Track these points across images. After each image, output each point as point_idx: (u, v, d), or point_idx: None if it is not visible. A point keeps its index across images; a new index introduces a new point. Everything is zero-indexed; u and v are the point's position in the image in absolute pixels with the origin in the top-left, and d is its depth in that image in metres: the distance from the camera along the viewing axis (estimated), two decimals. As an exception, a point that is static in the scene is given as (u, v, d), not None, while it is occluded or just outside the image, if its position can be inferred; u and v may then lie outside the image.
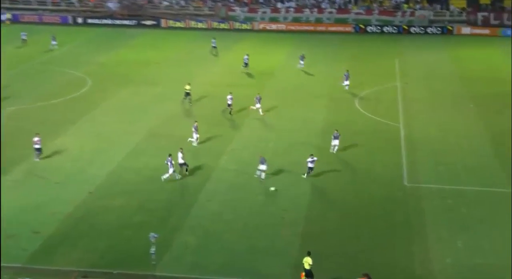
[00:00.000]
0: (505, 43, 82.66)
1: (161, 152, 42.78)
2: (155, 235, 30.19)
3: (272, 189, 38.86)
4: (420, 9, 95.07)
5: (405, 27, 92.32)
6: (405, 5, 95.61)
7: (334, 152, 44.47)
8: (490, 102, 57.33)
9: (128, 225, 34.65)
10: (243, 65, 66.21)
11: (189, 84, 55.30)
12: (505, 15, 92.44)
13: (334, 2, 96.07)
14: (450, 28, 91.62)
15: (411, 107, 55.88)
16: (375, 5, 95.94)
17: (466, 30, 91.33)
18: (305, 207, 37.05)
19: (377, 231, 34.58)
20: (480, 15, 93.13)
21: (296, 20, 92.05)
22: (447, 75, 66.81)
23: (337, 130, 44.91)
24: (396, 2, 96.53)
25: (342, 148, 45.21)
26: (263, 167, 40.09)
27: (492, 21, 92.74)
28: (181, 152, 40.65)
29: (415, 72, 67.77)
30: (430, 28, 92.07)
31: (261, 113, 51.95)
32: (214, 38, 75.27)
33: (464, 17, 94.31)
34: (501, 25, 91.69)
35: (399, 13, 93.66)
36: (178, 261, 31.60)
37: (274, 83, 62.22)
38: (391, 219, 35.91)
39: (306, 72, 66.17)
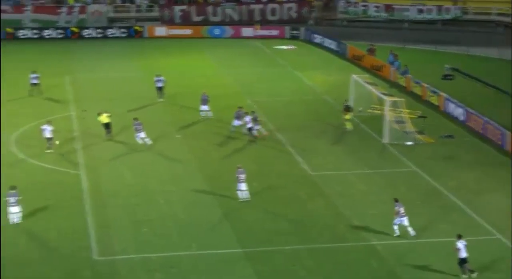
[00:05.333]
0: (213, 44, 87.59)
1: None
2: None
3: None
4: (93, 3, 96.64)
5: (75, 30, 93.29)
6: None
7: None
8: (200, 128, 60.08)
9: None
10: None
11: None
12: (210, 9, 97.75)
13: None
14: (140, 28, 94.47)
15: (95, 145, 56.32)
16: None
17: (161, 30, 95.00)
18: None
19: None
20: (178, 9, 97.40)
21: None
22: (139, 96, 68.68)
23: None
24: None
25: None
26: None
27: (195, 18, 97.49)
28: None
29: (95, 94, 68.51)
30: (111, 30, 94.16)
31: (264, 133, 58.34)
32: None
33: (156, 13, 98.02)
34: (206, 22, 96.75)
35: (64, 10, 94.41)
36: None
37: None
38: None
39: None
